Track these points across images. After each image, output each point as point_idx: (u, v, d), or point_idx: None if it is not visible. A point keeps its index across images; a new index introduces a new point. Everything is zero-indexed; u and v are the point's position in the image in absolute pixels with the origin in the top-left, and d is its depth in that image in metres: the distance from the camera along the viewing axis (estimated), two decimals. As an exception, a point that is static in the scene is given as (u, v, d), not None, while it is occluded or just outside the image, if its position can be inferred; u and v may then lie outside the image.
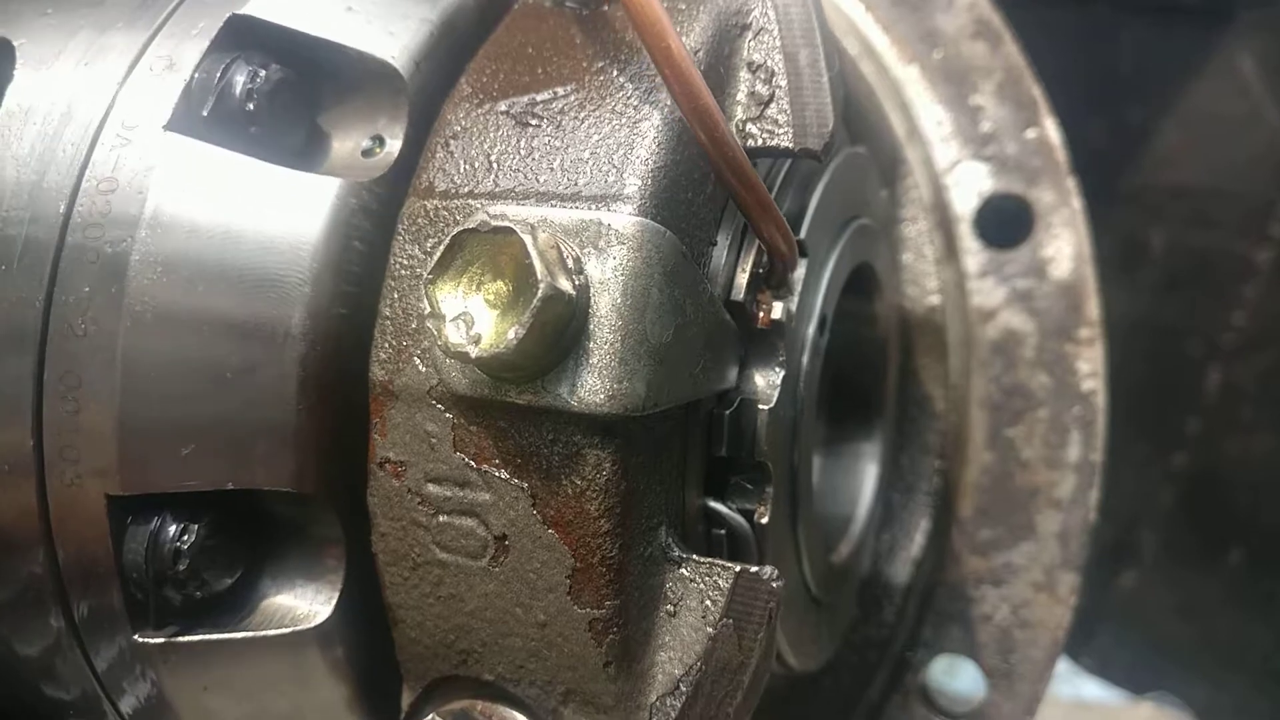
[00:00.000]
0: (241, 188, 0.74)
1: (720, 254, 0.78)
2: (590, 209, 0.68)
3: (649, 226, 0.67)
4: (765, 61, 0.77)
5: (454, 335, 0.64)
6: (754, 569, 0.72)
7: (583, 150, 0.71)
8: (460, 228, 0.65)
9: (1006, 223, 1.24)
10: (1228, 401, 1.86)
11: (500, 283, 0.64)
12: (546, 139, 0.73)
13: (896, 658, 1.19)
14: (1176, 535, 1.95)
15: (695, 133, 0.69)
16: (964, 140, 1.26)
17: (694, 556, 0.74)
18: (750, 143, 0.76)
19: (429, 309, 0.65)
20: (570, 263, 0.65)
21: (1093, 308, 1.20)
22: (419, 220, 0.73)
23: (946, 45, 1.28)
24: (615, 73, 0.74)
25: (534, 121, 0.74)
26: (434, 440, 0.71)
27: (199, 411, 0.72)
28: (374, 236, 0.75)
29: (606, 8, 0.77)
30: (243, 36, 0.77)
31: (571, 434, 0.68)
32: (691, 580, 0.73)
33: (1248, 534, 1.89)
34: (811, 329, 0.86)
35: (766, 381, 0.80)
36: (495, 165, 0.73)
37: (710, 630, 0.72)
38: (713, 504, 0.80)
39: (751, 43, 0.78)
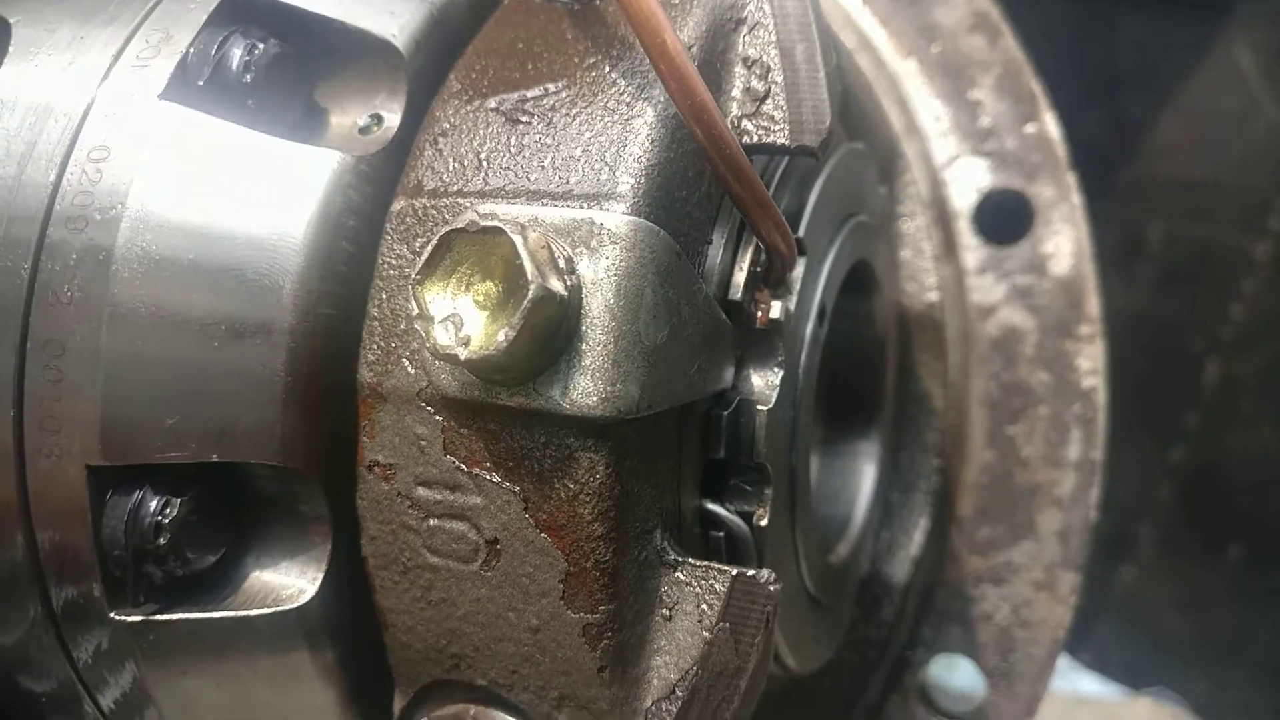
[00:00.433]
0: (236, 157, 0.73)
1: (716, 253, 0.77)
2: (582, 208, 0.67)
3: (642, 225, 0.66)
4: (761, 57, 0.76)
5: (443, 337, 0.63)
6: (751, 572, 0.71)
7: (574, 148, 0.70)
8: (448, 227, 0.64)
9: (1006, 218, 1.23)
10: (1227, 395, 1.86)
11: (490, 283, 0.63)
12: (537, 136, 0.71)
13: (896, 657, 1.18)
14: (1176, 530, 1.94)
15: (691, 130, 0.68)
16: (963, 135, 1.25)
17: (690, 560, 0.73)
18: (746, 139, 0.75)
19: (417, 310, 0.64)
20: (562, 263, 0.64)
21: (1093, 304, 1.19)
22: (407, 219, 0.72)
23: (944, 39, 1.27)
24: (608, 68, 0.73)
25: (524, 119, 0.72)
26: (424, 443, 0.70)
27: (185, 381, 0.71)
28: (363, 235, 0.74)
29: (598, 2, 0.76)
30: (241, 12, 0.77)
31: (564, 437, 0.67)
32: (687, 584, 0.72)
33: (1247, 529, 1.88)
34: (810, 322, 0.85)
35: (765, 382, 0.79)
36: (485, 163, 0.72)
37: (706, 634, 0.71)
38: (710, 506, 0.79)
39: (747, 37, 0.77)
